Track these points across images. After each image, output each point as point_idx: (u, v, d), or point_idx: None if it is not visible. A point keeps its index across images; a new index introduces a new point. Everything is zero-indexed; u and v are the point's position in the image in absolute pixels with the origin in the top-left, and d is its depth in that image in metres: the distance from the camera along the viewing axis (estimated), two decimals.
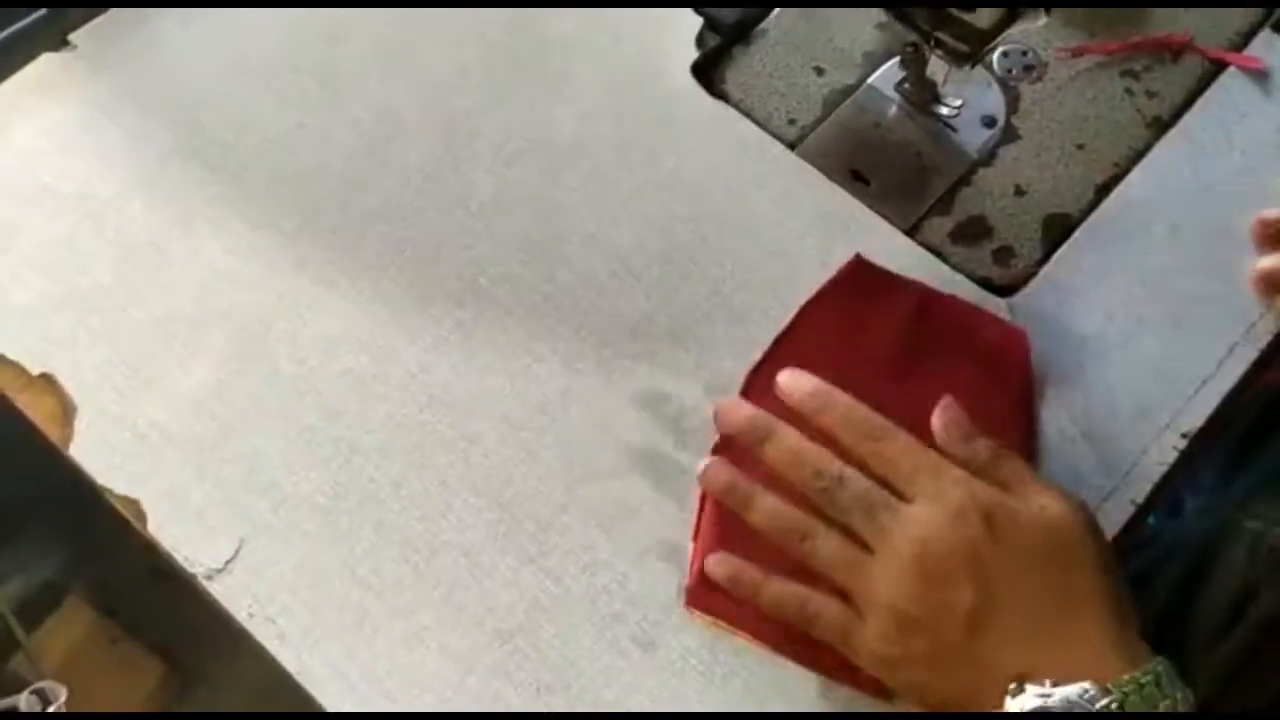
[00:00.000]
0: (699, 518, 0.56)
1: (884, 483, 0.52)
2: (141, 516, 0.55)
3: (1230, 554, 0.73)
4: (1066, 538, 0.51)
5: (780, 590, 0.53)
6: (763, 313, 0.61)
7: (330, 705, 0.52)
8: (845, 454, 0.53)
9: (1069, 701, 0.45)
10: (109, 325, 0.60)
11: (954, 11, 0.58)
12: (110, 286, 0.61)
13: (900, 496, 0.52)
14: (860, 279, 0.61)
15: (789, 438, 0.54)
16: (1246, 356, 0.61)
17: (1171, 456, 0.59)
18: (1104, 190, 0.66)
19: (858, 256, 0.62)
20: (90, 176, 0.63)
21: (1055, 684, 0.45)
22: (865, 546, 0.51)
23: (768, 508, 0.53)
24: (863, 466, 0.53)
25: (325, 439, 0.57)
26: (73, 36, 0.67)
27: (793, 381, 0.56)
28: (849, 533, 0.52)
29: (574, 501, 0.56)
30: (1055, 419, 0.59)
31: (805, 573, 0.53)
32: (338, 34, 0.68)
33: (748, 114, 0.67)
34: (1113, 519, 0.57)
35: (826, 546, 0.52)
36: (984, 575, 0.49)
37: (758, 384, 0.58)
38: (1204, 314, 0.62)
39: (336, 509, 0.56)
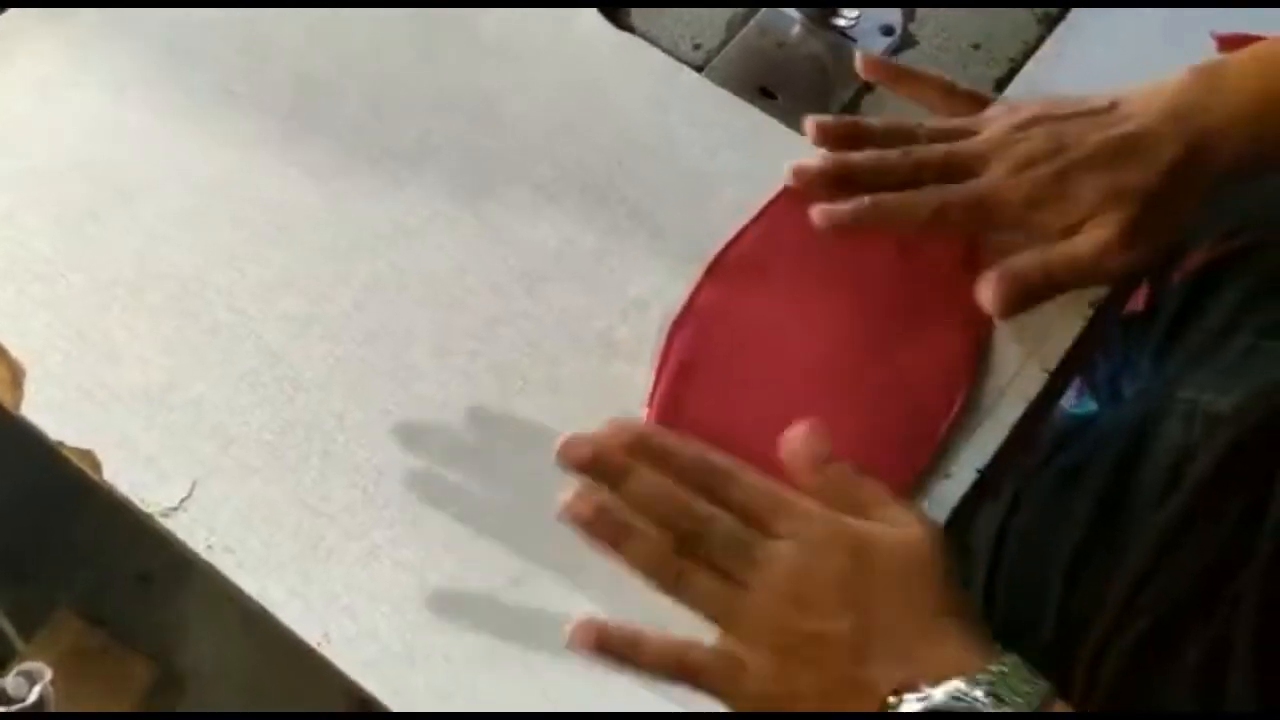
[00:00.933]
0: (665, 356, 0.58)
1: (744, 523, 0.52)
2: (97, 466, 0.57)
3: (1167, 427, 0.75)
4: (924, 557, 0.52)
5: (661, 646, 0.50)
6: (683, 228, 0.64)
7: (292, 624, 0.54)
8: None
9: (949, 697, 0.47)
10: (50, 293, 0.61)
11: None
12: (50, 256, 0.62)
13: (766, 534, 0.51)
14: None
15: (646, 476, 0.52)
16: None
17: (1079, 326, 0.61)
18: (1001, 85, 0.69)
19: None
20: (22, 156, 0.65)
21: (930, 686, 0.47)
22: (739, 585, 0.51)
23: (638, 548, 0.51)
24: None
25: (268, 379, 0.59)
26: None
27: (613, 433, 0.53)
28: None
29: (510, 418, 0.58)
30: None
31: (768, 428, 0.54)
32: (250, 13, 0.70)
33: (655, 43, 0.70)
34: (1024, 389, 0.60)
35: (702, 585, 0.51)
36: (857, 601, 0.49)
37: (717, 270, 0.61)
38: None
39: (283, 444, 0.58)
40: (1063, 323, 0.61)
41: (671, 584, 0.51)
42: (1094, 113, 0.60)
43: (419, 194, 0.65)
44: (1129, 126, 0.59)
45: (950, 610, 0.51)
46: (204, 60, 0.68)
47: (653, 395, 0.58)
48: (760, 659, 0.50)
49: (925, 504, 0.57)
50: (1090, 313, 0.62)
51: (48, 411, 0.58)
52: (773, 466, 0.53)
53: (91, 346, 0.60)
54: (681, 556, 0.51)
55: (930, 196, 0.58)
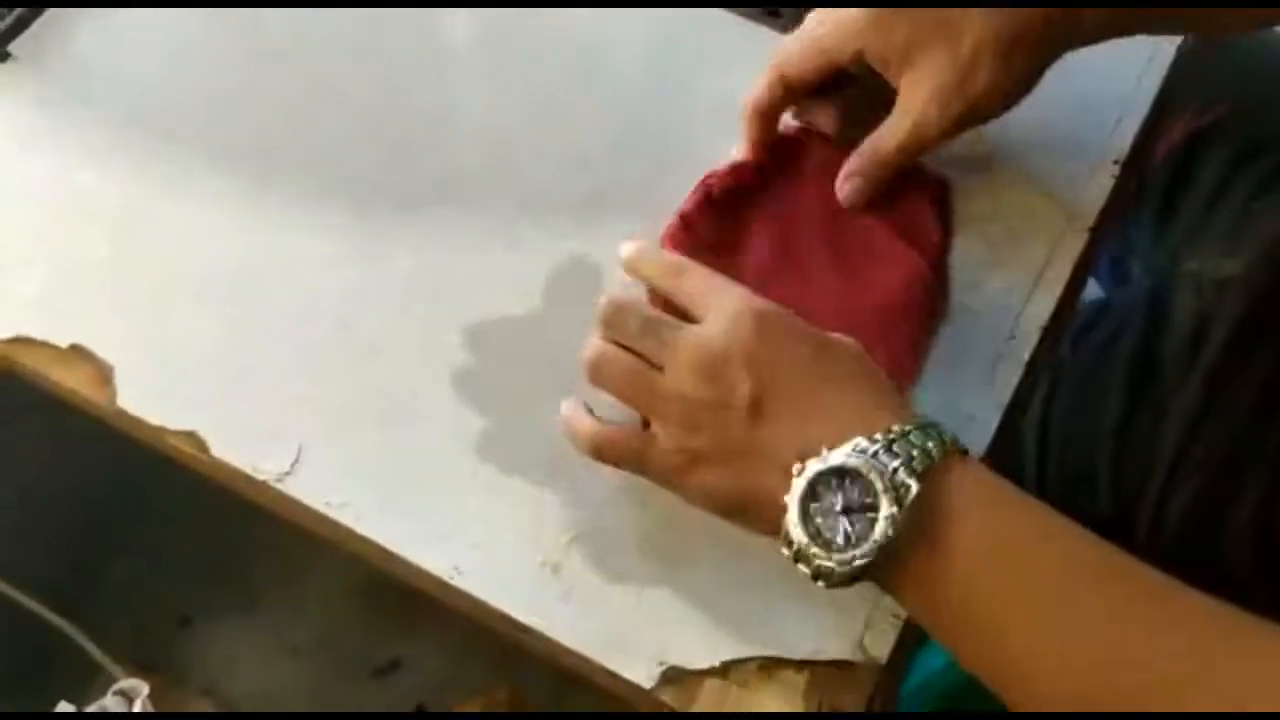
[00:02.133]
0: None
1: (684, 315, 0.54)
2: (203, 446, 0.58)
3: (1179, 301, 0.79)
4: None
5: (588, 430, 0.54)
6: (711, 146, 0.65)
7: (419, 560, 0.55)
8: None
9: (845, 455, 0.46)
10: (119, 291, 0.62)
11: None
12: (110, 258, 0.63)
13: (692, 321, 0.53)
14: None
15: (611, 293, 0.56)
16: (1152, 84, 0.67)
17: (1109, 185, 0.64)
18: None
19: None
20: (57, 170, 0.65)
21: (830, 449, 0.47)
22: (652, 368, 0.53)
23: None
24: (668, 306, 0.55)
25: (342, 346, 0.60)
26: (11, 48, 0.69)
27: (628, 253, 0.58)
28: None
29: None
30: (1005, 170, 0.64)
31: None
32: (252, 16, 0.71)
33: None
34: (1068, 249, 0.62)
35: (617, 364, 0.53)
36: (760, 367, 0.50)
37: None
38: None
39: (368, 404, 0.59)
40: (1095, 183, 0.64)
41: (595, 374, 0.54)
42: None
43: (453, 155, 0.66)
44: None
45: (857, 374, 0.51)
46: (232, 49, 0.69)
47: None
48: (664, 427, 0.51)
49: (994, 366, 0.59)
50: (1117, 170, 0.65)
51: (143, 402, 0.59)
52: None
53: (169, 337, 0.61)
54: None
55: None
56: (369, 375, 0.60)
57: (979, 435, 0.58)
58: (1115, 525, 0.74)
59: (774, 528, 0.48)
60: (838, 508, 0.46)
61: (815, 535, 0.46)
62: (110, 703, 0.76)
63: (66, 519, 1.19)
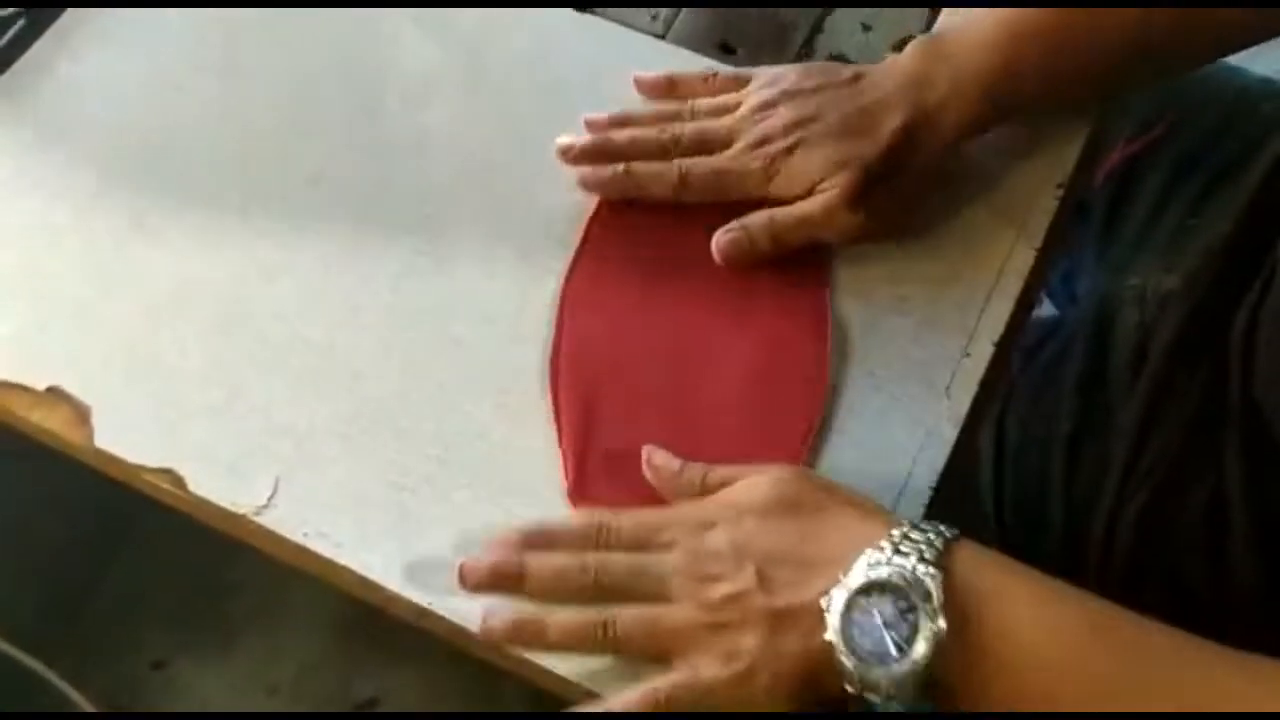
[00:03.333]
0: (557, 415, 0.59)
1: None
2: (180, 482, 0.58)
3: (1123, 315, 0.80)
4: (784, 485, 0.54)
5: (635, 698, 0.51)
6: None
7: (400, 592, 0.55)
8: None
9: (865, 572, 0.47)
10: (97, 329, 0.62)
11: None
12: (87, 296, 0.63)
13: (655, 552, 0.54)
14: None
15: (538, 562, 0.54)
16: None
17: (1055, 205, 0.66)
18: (935, 10, 0.73)
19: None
20: (35, 207, 0.65)
21: (844, 574, 0.48)
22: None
23: (561, 632, 0.53)
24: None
25: (325, 374, 0.61)
26: None
27: (500, 545, 0.56)
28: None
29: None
30: (953, 193, 0.66)
31: (682, 437, 0.57)
32: (228, 37, 0.72)
33: (618, 22, 0.73)
34: (1016, 266, 0.64)
35: (627, 618, 0.52)
36: (746, 553, 0.51)
37: (567, 305, 0.62)
38: None
39: (353, 431, 0.59)
40: (1040, 204, 0.66)
41: (603, 641, 0.52)
42: (839, 85, 0.65)
43: (429, 183, 0.67)
44: (864, 100, 0.64)
45: (833, 506, 0.52)
46: (205, 85, 0.69)
47: (565, 460, 0.58)
48: (707, 653, 0.51)
49: (950, 381, 0.61)
50: (1060, 193, 0.66)
51: (121, 440, 0.59)
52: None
53: (147, 373, 0.61)
54: (603, 606, 0.53)
55: (674, 168, 0.64)
56: (346, 405, 0.60)
57: (938, 451, 0.59)
58: (1069, 538, 0.75)
59: (838, 681, 0.48)
60: (878, 621, 0.47)
61: (869, 655, 0.47)
62: None
63: (40, 562, 1.18)
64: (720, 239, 0.63)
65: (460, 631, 0.55)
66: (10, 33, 0.71)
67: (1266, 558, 0.70)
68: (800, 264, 0.63)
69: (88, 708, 0.84)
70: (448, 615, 0.55)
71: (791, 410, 0.59)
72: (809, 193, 0.63)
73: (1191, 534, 0.72)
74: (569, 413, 0.59)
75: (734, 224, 0.63)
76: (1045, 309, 1.05)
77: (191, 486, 0.58)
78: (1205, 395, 0.75)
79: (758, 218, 0.63)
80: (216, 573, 1.34)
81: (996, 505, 0.78)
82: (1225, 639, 0.71)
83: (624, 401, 0.59)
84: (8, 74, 0.69)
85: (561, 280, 0.63)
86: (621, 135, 0.65)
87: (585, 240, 0.64)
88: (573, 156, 0.65)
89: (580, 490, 0.57)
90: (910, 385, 0.61)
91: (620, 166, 0.64)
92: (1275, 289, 0.72)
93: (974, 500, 0.79)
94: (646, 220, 0.64)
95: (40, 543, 1.26)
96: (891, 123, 0.62)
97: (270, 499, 0.57)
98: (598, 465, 0.58)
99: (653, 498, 0.56)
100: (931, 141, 0.63)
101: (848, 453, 0.59)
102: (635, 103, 0.69)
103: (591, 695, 0.53)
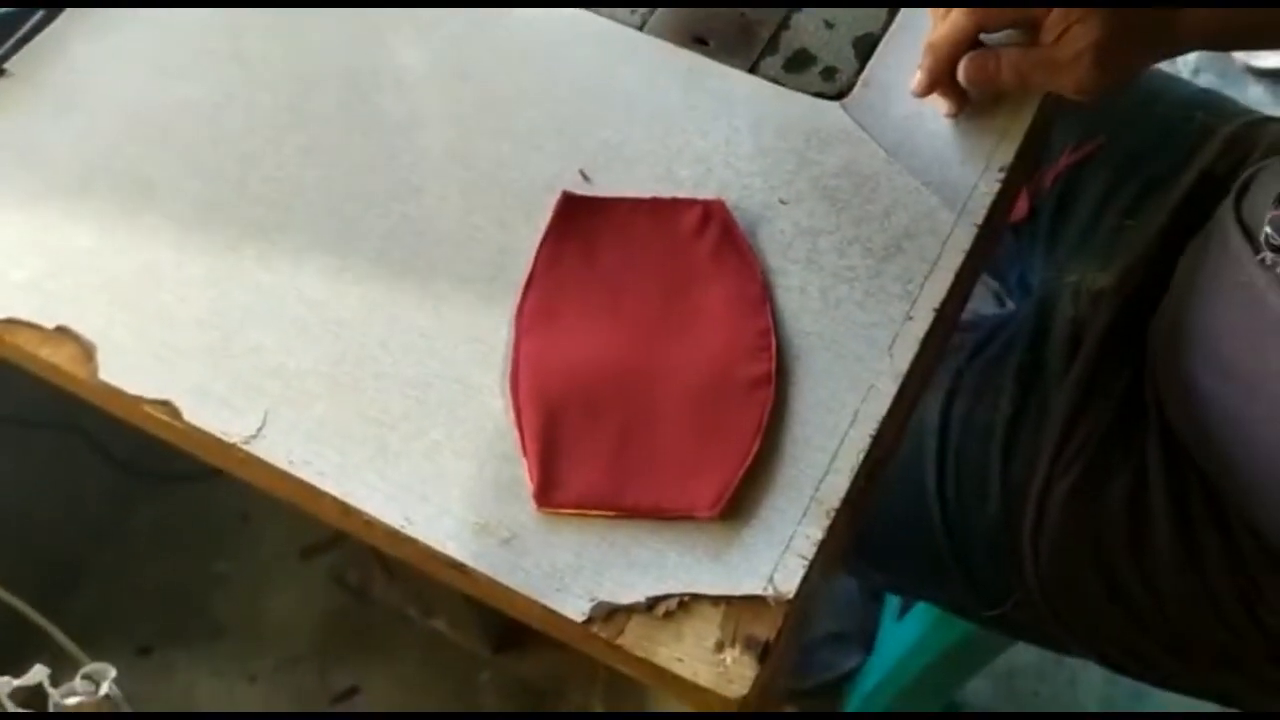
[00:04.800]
0: (520, 429, 0.61)
1: None
2: (176, 413, 0.62)
3: (1061, 307, 0.85)
4: None
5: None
6: (650, 152, 0.71)
7: (375, 513, 0.59)
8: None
9: None
10: (103, 278, 0.66)
11: None
12: (95, 250, 0.67)
13: None
14: (572, 211, 0.67)
15: None
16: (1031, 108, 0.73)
17: (997, 187, 0.70)
18: (894, 10, 0.77)
19: (564, 193, 0.68)
20: (49, 173, 0.69)
21: None
22: None
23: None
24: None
25: (314, 323, 0.65)
26: (7, 65, 0.73)
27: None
28: None
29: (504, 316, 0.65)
30: (902, 175, 0.70)
31: (638, 437, 0.60)
32: (233, 27, 0.76)
33: (597, 12, 0.77)
34: (958, 242, 0.68)
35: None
36: None
37: (523, 323, 0.64)
38: None
39: (338, 373, 0.63)
40: (983, 186, 0.70)
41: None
42: None
43: (417, 157, 0.71)
44: None
45: None
46: (211, 68, 0.74)
47: (529, 466, 0.60)
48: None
49: (892, 342, 0.64)
50: (1001, 176, 0.70)
51: (122, 376, 0.63)
52: (658, 483, 0.59)
53: (150, 317, 0.65)
54: None
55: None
56: (333, 349, 0.64)
57: (879, 403, 0.62)
58: (1005, 514, 0.79)
59: None
60: None
61: None
62: (78, 685, 0.78)
63: (29, 548, 1.21)
64: (969, 61, 0.69)
65: (427, 551, 0.58)
66: (31, 22, 0.75)
67: (1182, 536, 0.74)
68: (741, 277, 0.66)
69: (86, 661, 0.86)
70: (420, 538, 0.58)
71: (742, 408, 0.61)
72: (1058, 40, 0.67)
73: (1115, 513, 0.76)
74: (530, 422, 0.60)
75: (987, 50, 0.69)
76: (987, 308, 1.10)
77: (187, 416, 0.61)
78: (1129, 387, 0.79)
79: (1011, 50, 0.68)
80: (203, 565, 1.38)
81: (939, 483, 0.82)
82: (1144, 610, 0.75)
83: (581, 408, 0.61)
84: (28, 48, 0.74)
85: (517, 295, 0.65)
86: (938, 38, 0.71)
87: (538, 258, 0.66)
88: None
89: (545, 493, 0.59)
90: (856, 345, 0.64)
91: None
92: (1170, 294, 0.77)
93: (919, 478, 0.83)
94: (597, 238, 0.67)
95: (39, 523, 1.30)
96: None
97: (259, 430, 0.61)
98: (559, 471, 0.59)
99: (614, 500, 0.59)
100: (1170, 32, 0.68)
101: (798, 402, 0.62)
102: (614, 90, 0.73)
103: (548, 612, 0.56)
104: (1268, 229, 0.66)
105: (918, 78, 0.71)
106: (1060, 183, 0.92)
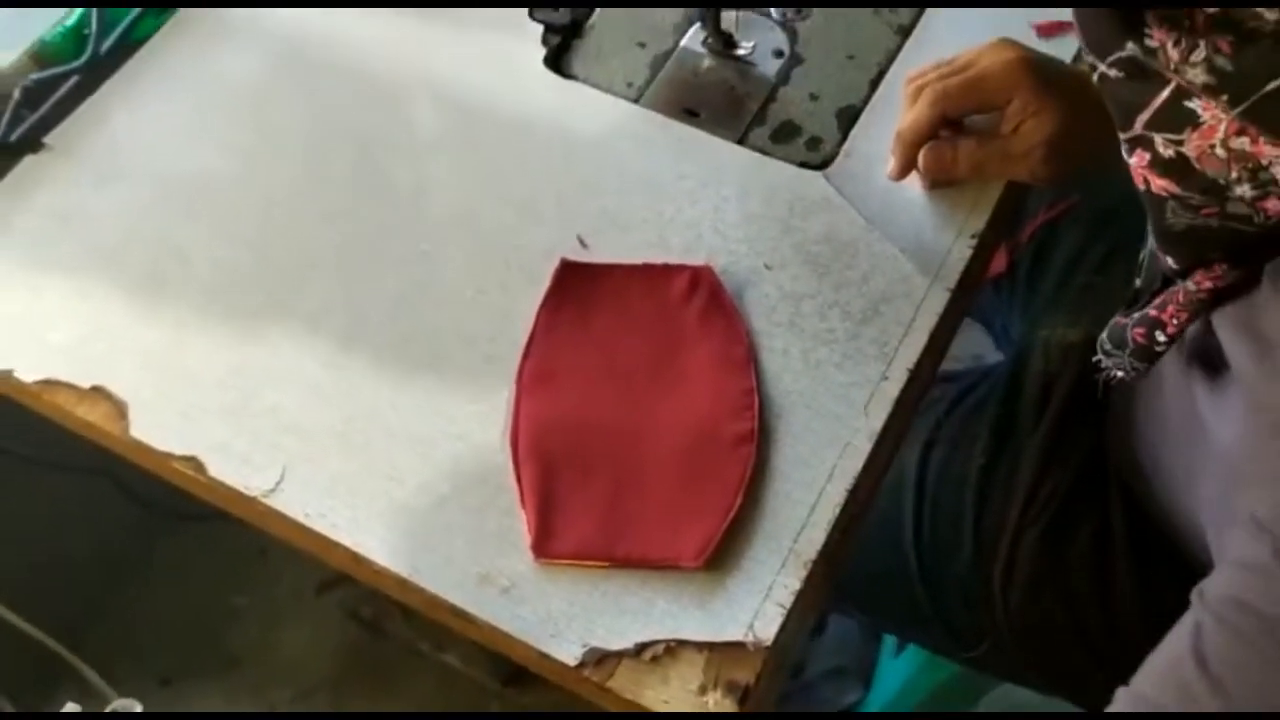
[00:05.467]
0: (520, 484, 0.64)
1: None
2: (201, 468, 0.66)
3: (1033, 361, 0.88)
4: None
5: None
6: (643, 220, 0.75)
7: (385, 562, 0.63)
8: None
9: None
10: (135, 340, 0.70)
11: None
12: (127, 312, 0.71)
13: None
14: (570, 277, 0.71)
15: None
16: None
17: (969, 253, 0.74)
18: (875, 84, 0.82)
19: (562, 260, 0.72)
20: (87, 237, 0.74)
21: None
22: None
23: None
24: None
25: (328, 383, 0.69)
26: (46, 139, 0.79)
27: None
28: None
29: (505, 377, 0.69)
30: (880, 242, 0.74)
31: (629, 492, 0.64)
32: (258, 98, 0.81)
33: (595, 87, 0.82)
34: (931, 306, 0.72)
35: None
36: None
37: (524, 384, 0.68)
38: None
39: (350, 430, 0.67)
40: (956, 251, 0.74)
41: None
42: None
43: (426, 223, 0.75)
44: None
45: None
46: (224, 143, 0.79)
47: (528, 521, 0.63)
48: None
49: (869, 401, 0.69)
50: (974, 242, 0.74)
51: (152, 432, 0.67)
52: (649, 533, 0.63)
53: (177, 378, 0.69)
54: None
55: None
56: (351, 407, 0.68)
57: (855, 460, 0.66)
58: (977, 560, 0.82)
59: None
60: None
61: None
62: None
63: (56, 585, 1.26)
64: (927, 152, 0.73)
65: (433, 599, 0.62)
66: (65, 87, 0.80)
67: (1143, 585, 0.77)
68: (727, 340, 0.70)
69: (111, 694, 0.90)
70: (426, 586, 0.63)
71: (726, 464, 0.65)
72: (1015, 132, 0.71)
73: (1081, 563, 0.79)
74: (528, 478, 0.64)
75: (944, 141, 0.73)
76: (992, 356, 1.13)
77: (211, 472, 0.66)
78: (1094, 441, 0.82)
79: (968, 142, 0.72)
80: (222, 599, 1.43)
81: (916, 530, 0.85)
82: (1110, 656, 0.78)
83: (576, 464, 0.65)
84: (68, 121, 0.79)
85: (519, 357, 0.69)
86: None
87: (538, 322, 0.70)
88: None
89: (541, 545, 0.63)
90: (835, 404, 0.68)
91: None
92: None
93: (897, 526, 0.86)
94: (592, 302, 0.71)
95: (65, 560, 1.34)
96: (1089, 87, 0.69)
97: (278, 484, 0.66)
98: (556, 524, 0.63)
99: (606, 551, 0.63)
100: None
101: (779, 458, 0.66)
102: (610, 161, 0.78)
103: (543, 657, 0.60)
104: (1102, 336, 0.67)
105: (891, 164, 0.75)
106: (1036, 238, 0.96)
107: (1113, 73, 0.52)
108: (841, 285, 0.72)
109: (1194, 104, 0.50)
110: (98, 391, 0.68)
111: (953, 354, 0.76)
